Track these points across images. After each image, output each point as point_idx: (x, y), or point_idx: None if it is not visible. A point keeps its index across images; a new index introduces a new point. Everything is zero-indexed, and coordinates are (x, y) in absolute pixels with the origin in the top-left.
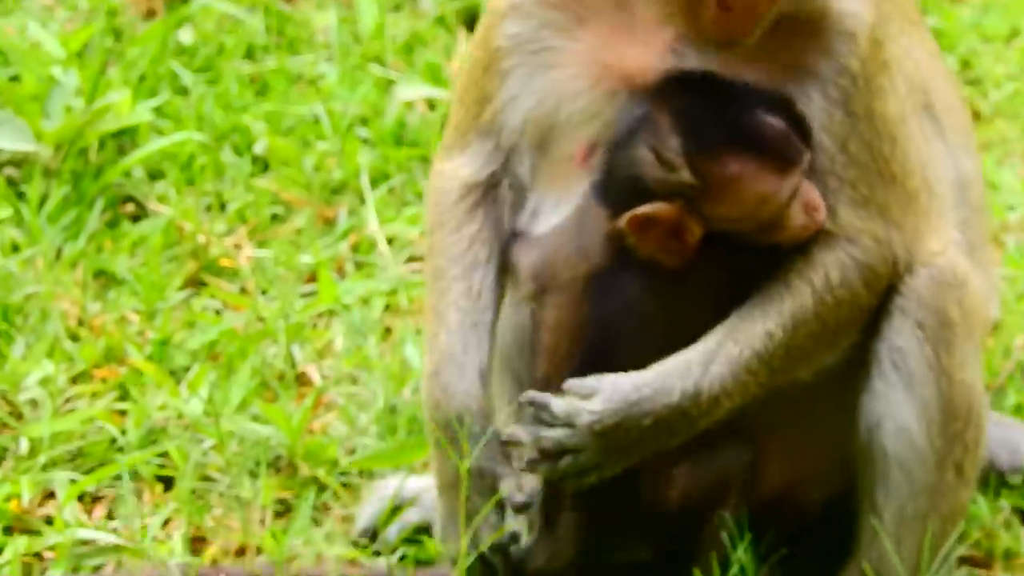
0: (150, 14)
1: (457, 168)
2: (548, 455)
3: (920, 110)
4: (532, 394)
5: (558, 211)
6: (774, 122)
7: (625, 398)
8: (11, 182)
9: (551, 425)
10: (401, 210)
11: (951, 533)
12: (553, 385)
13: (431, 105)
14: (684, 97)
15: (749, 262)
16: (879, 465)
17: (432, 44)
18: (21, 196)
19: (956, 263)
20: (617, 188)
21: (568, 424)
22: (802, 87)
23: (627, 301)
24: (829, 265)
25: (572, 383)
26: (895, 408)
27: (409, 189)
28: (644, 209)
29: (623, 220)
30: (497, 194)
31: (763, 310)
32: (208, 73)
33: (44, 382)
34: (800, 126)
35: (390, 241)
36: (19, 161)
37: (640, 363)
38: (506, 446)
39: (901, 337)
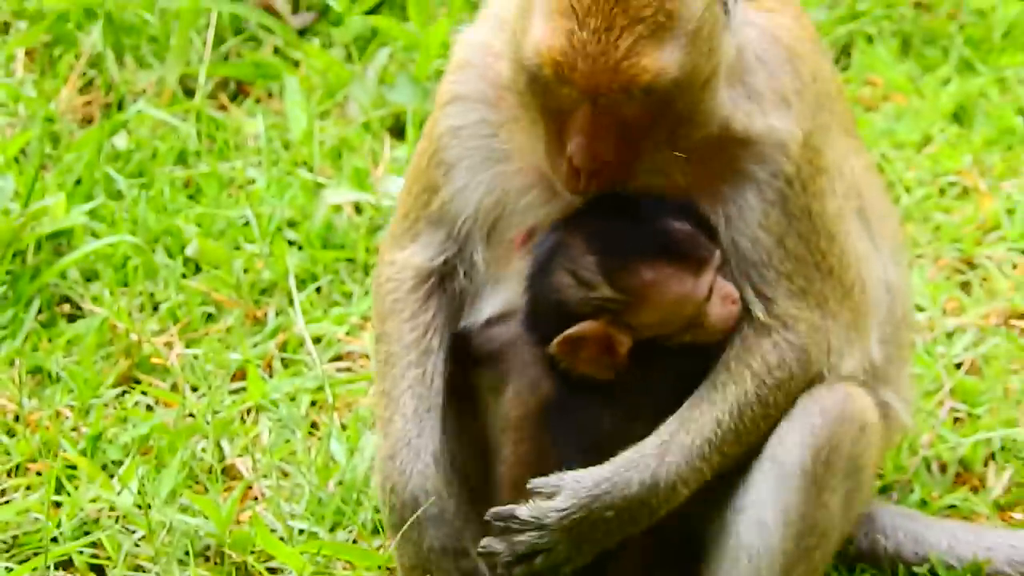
0: (86, 121)
1: (409, 257)
2: (523, 558)
3: (854, 213)
4: (496, 511)
5: (506, 295)
6: (680, 227)
7: (588, 493)
8: None
9: (521, 531)
10: (328, 310)
11: None
12: (519, 486)
13: (358, 209)
14: (593, 219)
15: (689, 359)
16: (730, 552)
17: (359, 150)
18: None
19: (864, 404)
20: (544, 316)
21: (538, 527)
22: (739, 190)
23: (582, 426)
24: (767, 351)
25: (536, 482)
26: (761, 501)
27: (336, 289)
28: (572, 331)
29: (553, 346)
30: (451, 281)
31: (710, 399)
32: (142, 178)
33: None
34: (706, 227)
35: (316, 340)
36: None
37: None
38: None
39: (791, 438)
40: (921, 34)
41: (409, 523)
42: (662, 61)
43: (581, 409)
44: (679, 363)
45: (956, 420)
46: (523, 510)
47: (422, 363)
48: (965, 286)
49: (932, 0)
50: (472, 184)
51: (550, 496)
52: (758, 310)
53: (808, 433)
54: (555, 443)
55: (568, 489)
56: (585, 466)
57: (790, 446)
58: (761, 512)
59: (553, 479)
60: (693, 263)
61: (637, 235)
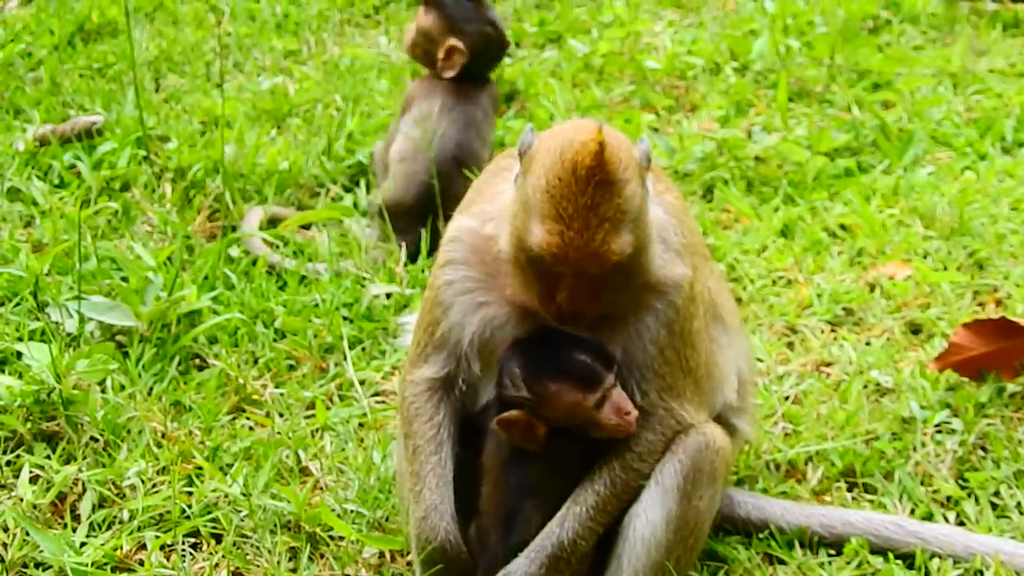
0: (211, 237)
1: (423, 372)
2: None
3: (712, 320)
4: None
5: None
6: (583, 358)
7: (524, 568)
8: (120, 345)
9: None
10: (369, 362)
11: None
12: (490, 513)
13: (388, 296)
14: (528, 345)
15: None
16: (628, 542)
17: (391, 258)
18: (126, 354)
19: (716, 436)
20: (499, 401)
21: None
22: (641, 317)
23: (525, 476)
24: (640, 432)
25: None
26: (650, 507)
27: (374, 349)
28: (503, 415)
29: (493, 423)
30: (454, 387)
31: (593, 474)
32: (247, 276)
33: (139, 474)
34: (605, 358)
35: (362, 382)
36: (125, 332)
37: (537, 517)
38: None
39: (667, 467)
40: (759, 178)
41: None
42: (622, 243)
43: (524, 465)
44: (588, 441)
45: (786, 435)
46: None
47: (438, 451)
48: (790, 345)
49: (767, 155)
50: (465, 321)
51: None
52: (636, 398)
53: (679, 464)
54: (510, 485)
55: (512, 574)
56: (526, 501)
57: (667, 473)
58: (650, 515)
59: (501, 573)
60: (585, 383)
61: (552, 359)
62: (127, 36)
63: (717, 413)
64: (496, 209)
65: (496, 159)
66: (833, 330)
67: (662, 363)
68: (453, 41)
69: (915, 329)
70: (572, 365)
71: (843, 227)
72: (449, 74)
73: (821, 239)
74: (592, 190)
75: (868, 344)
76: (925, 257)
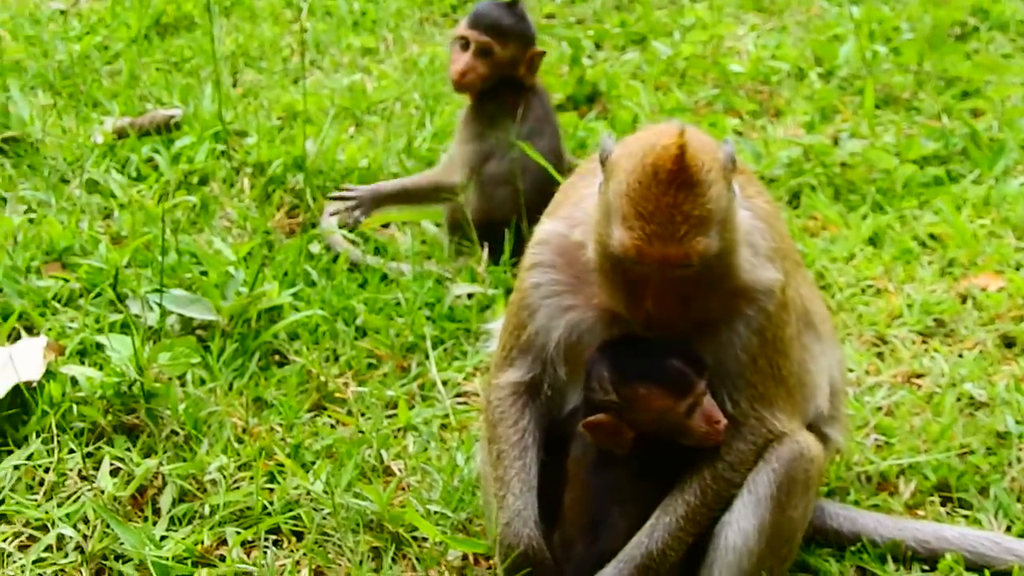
0: (291, 233)
1: (508, 377)
2: None
3: (804, 327)
4: None
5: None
6: (674, 363)
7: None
8: (200, 339)
9: None
10: (451, 363)
11: None
12: (574, 521)
13: (470, 296)
14: (618, 348)
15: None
16: (719, 552)
17: (472, 255)
18: (207, 349)
19: (809, 444)
20: (586, 404)
21: None
22: (733, 323)
23: (611, 483)
24: (731, 441)
25: None
26: (742, 516)
27: (456, 349)
28: (591, 418)
29: (580, 426)
30: (539, 391)
31: (683, 483)
32: (328, 272)
33: (220, 469)
34: (697, 365)
35: (444, 382)
36: (206, 326)
37: (623, 525)
38: None
39: (759, 476)
40: (846, 185)
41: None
42: (706, 243)
43: (610, 471)
44: (675, 448)
45: (878, 447)
46: None
47: (523, 456)
48: (880, 355)
49: (854, 162)
50: (551, 325)
51: None
52: (726, 407)
53: (772, 473)
54: (595, 492)
55: None
56: (612, 508)
57: (760, 482)
58: (742, 524)
59: None
60: (676, 388)
61: (643, 363)
62: (204, 31)
63: (809, 422)
64: (582, 214)
65: (583, 163)
66: (924, 341)
67: (753, 371)
68: (537, 48)
69: (1009, 342)
70: (663, 370)
71: (933, 236)
72: (531, 80)
73: (911, 248)
74: (674, 191)
75: (960, 356)
76: (1018, 269)
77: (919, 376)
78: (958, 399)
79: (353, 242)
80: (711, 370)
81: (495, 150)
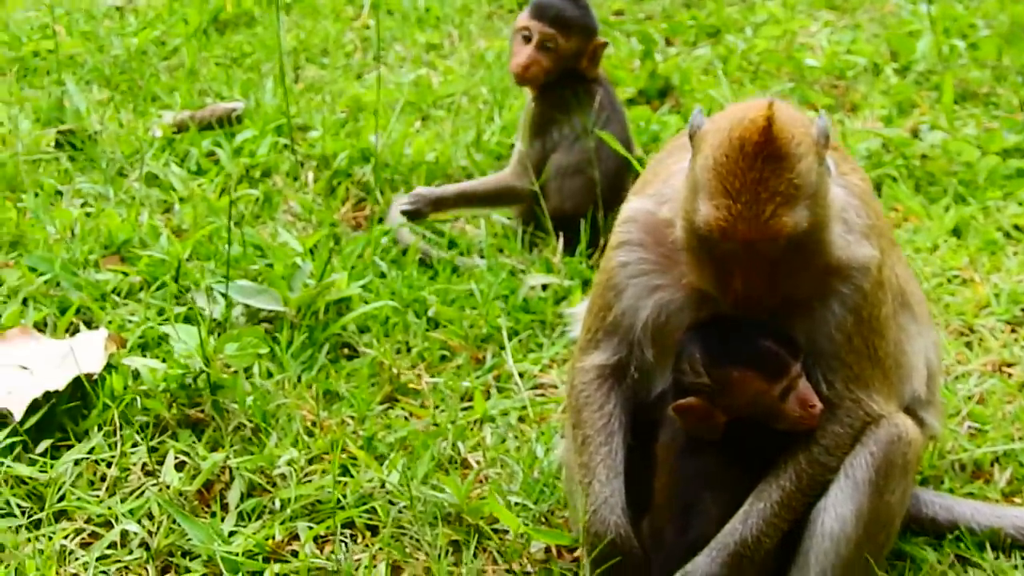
0: (357, 227)
1: (593, 359)
2: None
3: (900, 307)
4: None
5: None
6: (768, 345)
7: (704, 568)
8: (268, 331)
9: None
10: (526, 355)
11: None
12: (664, 507)
13: (544, 288)
14: (710, 329)
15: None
16: (816, 537)
17: (547, 246)
18: (275, 340)
19: (907, 427)
20: (675, 387)
21: None
22: (827, 302)
23: (702, 468)
24: (826, 424)
25: None
26: (839, 501)
27: (531, 342)
28: (681, 401)
29: (669, 409)
30: (626, 374)
31: (777, 468)
32: (397, 264)
33: (290, 462)
34: (792, 347)
35: (520, 375)
36: (273, 318)
37: (715, 511)
38: None
39: (857, 460)
40: (927, 177)
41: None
42: (795, 218)
43: (701, 456)
44: (768, 432)
45: (971, 435)
46: None
47: (609, 442)
48: (968, 345)
49: (935, 154)
50: (639, 305)
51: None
52: (821, 389)
53: (870, 456)
54: (686, 477)
55: (692, 573)
56: (704, 493)
57: (858, 466)
58: (840, 510)
59: (680, 572)
60: (770, 371)
61: (735, 345)
62: (265, 26)
63: (905, 406)
64: (671, 191)
65: (672, 139)
66: (1013, 331)
67: (849, 351)
68: (599, 39)
69: None
70: (757, 352)
71: (1018, 228)
72: (593, 73)
73: (996, 239)
74: (761, 164)
75: None
76: None
77: (1010, 365)
78: None
79: (423, 236)
80: (804, 351)
81: (560, 143)
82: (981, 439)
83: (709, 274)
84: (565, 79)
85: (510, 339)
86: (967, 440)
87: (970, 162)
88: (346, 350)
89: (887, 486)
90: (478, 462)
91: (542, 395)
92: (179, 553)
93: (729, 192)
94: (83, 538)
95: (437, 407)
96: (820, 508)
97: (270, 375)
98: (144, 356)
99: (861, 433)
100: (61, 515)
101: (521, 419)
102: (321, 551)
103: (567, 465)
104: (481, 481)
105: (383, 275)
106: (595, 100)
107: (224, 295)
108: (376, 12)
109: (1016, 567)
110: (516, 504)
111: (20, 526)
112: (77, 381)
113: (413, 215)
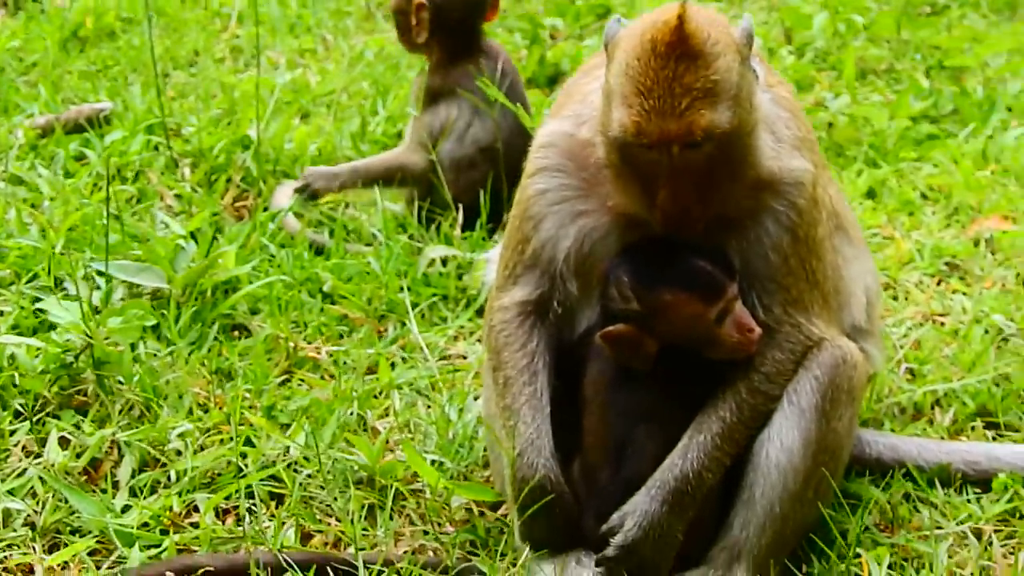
0: (239, 220)
1: (513, 296)
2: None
3: (835, 229)
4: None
5: (594, 312)
6: (701, 265)
7: (644, 507)
8: (154, 308)
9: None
10: (432, 327)
11: (799, 537)
12: (595, 447)
13: (444, 262)
14: (639, 252)
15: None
16: (761, 469)
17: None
18: (163, 317)
19: (851, 350)
20: (604, 315)
21: (626, 551)
22: (760, 219)
23: (635, 401)
24: (765, 350)
25: (610, 521)
26: (784, 430)
27: (435, 315)
28: (610, 328)
29: (597, 337)
30: (548, 310)
31: (716, 399)
32: (286, 248)
33: (183, 436)
34: (727, 268)
35: (427, 346)
36: (158, 297)
37: (651, 447)
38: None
39: (800, 386)
40: (835, 147)
41: (539, 504)
42: (714, 116)
43: (632, 390)
44: (702, 362)
45: (908, 380)
46: (610, 549)
47: (533, 382)
48: (895, 298)
49: (842, 124)
50: (560, 235)
51: (622, 525)
52: (758, 313)
53: (814, 381)
54: (618, 413)
55: (631, 513)
56: (637, 428)
57: (802, 392)
58: (785, 440)
59: (616, 515)
60: (705, 293)
61: (667, 267)
62: (128, 38)
63: (845, 335)
64: (590, 110)
65: (587, 60)
66: (939, 282)
67: (786, 273)
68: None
69: None
70: (690, 273)
71: (933, 188)
72: (423, 36)
73: (912, 199)
74: (674, 64)
75: (981, 294)
76: None
77: (940, 315)
78: (986, 332)
79: (311, 224)
80: (740, 275)
81: (454, 125)
82: (920, 382)
83: (633, 191)
84: (454, 53)
85: (413, 312)
86: (906, 382)
87: (879, 128)
88: (237, 332)
89: (834, 412)
90: (387, 428)
91: (451, 366)
92: (67, 531)
93: (642, 91)
94: None
95: (333, 378)
96: (764, 439)
97: (157, 355)
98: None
99: (803, 358)
100: None
101: (432, 387)
102: (223, 523)
103: (488, 415)
104: (392, 450)
105: (272, 258)
106: (497, 69)
107: (103, 273)
108: (253, 11)
109: (970, 501)
110: (433, 463)
111: None
112: None
113: (306, 193)
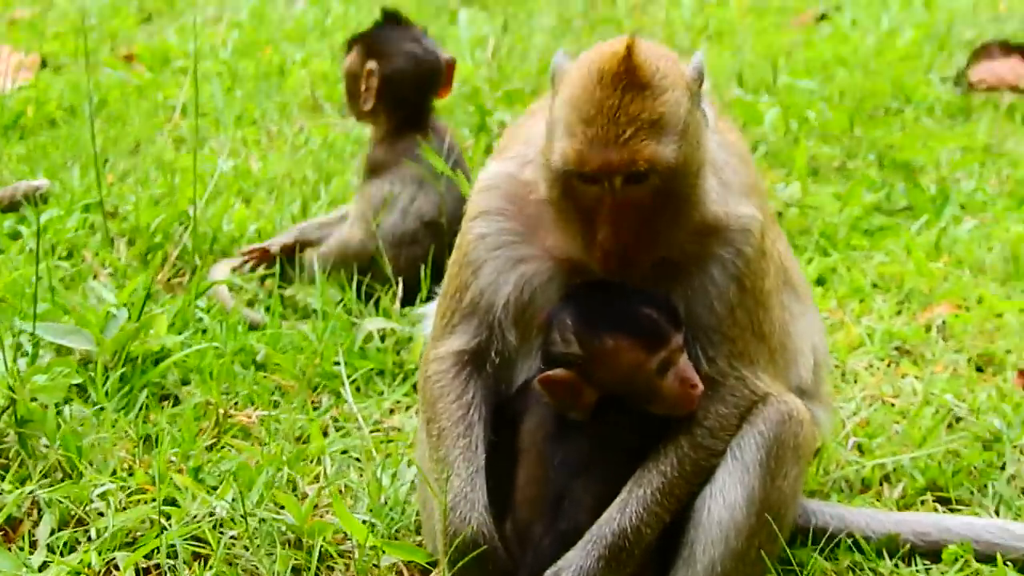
0: (170, 289)
1: (449, 345)
2: None
3: (783, 284)
4: None
5: (534, 362)
6: (647, 311)
7: (579, 562)
8: (79, 369)
9: None
10: (367, 400)
11: None
12: (530, 501)
13: (382, 337)
14: (583, 296)
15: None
16: (703, 526)
17: (386, 296)
18: (91, 380)
19: (798, 406)
20: (545, 359)
21: None
22: (705, 267)
23: (573, 453)
24: (709, 404)
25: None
26: (727, 486)
27: (371, 389)
28: (548, 373)
29: (535, 382)
30: (485, 360)
31: (657, 453)
32: (220, 321)
33: (105, 495)
34: (673, 316)
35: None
36: (85, 359)
37: (589, 500)
38: None
39: (744, 441)
40: (787, 234)
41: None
42: (655, 148)
43: (571, 441)
44: (644, 415)
45: (858, 454)
46: None
47: (468, 434)
48: (844, 380)
49: (790, 214)
50: (500, 281)
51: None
52: (702, 365)
53: (759, 436)
54: (555, 464)
55: (568, 565)
56: (575, 481)
57: (746, 448)
58: (728, 496)
59: (550, 571)
60: (649, 340)
61: (610, 312)
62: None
63: (791, 392)
64: (534, 151)
65: (533, 103)
66: (890, 365)
67: (732, 324)
68: (370, 65)
69: (981, 366)
70: (635, 319)
71: (884, 277)
72: (369, 104)
73: (863, 286)
74: (620, 93)
75: (932, 374)
76: (979, 302)
77: (891, 397)
78: (936, 411)
79: (247, 303)
80: (684, 323)
81: (396, 200)
82: (869, 456)
83: (574, 229)
84: (406, 123)
85: (348, 385)
86: (856, 454)
87: (829, 219)
88: (166, 402)
89: (779, 469)
90: (317, 490)
91: (385, 436)
92: None
93: (585, 120)
94: None
95: (270, 441)
96: (706, 495)
97: (83, 417)
98: None
99: (748, 413)
100: None
101: (365, 455)
102: None
103: (421, 469)
104: (321, 515)
105: (204, 331)
106: (443, 144)
107: (31, 334)
108: (194, 95)
109: (919, 572)
110: (364, 523)
111: None
112: None
113: (259, 257)
